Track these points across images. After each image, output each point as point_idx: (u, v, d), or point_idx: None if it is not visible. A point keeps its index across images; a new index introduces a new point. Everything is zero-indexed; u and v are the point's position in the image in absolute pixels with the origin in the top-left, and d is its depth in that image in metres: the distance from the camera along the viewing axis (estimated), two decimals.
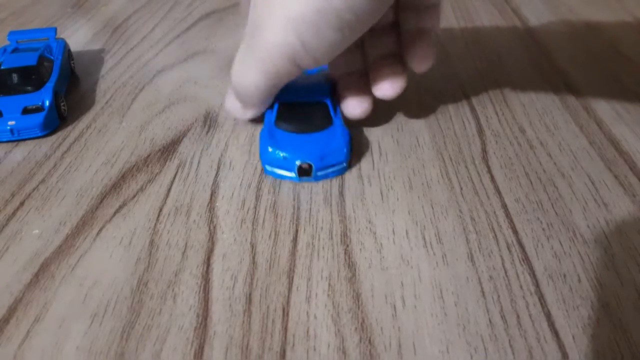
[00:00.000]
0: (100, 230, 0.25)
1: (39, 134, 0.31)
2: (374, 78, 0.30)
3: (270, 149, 0.27)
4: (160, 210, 0.26)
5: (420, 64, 0.30)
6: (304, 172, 0.27)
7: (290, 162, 0.27)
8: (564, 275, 0.22)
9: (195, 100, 0.35)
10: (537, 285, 0.22)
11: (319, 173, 0.27)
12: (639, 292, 0.21)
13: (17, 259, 0.24)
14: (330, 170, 0.27)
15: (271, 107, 0.30)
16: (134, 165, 0.29)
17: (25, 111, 0.31)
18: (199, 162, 0.29)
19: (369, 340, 0.20)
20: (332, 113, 0.29)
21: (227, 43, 0.43)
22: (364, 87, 0.30)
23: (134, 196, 0.27)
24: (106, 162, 0.29)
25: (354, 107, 0.30)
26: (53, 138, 0.32)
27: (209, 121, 0.33)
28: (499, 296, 0.21)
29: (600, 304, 0.21)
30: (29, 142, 0.31)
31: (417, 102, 0.33)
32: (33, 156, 0.30)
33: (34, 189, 0.28)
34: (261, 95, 0.28)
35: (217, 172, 0.28)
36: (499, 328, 0.20)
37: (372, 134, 0.31)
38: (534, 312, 0.21)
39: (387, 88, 0.29)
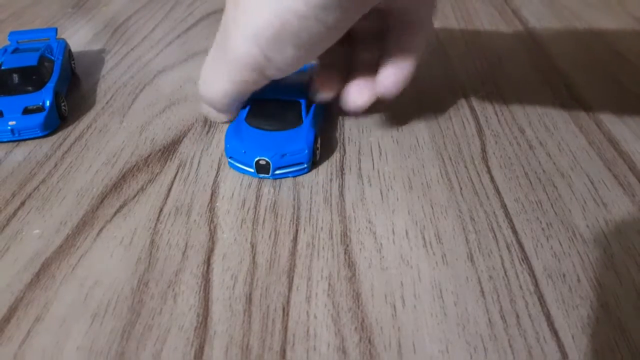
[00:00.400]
0: (100, 230, 0.25)
1: (40, 134, 0.31)
2: (346, 86, 0.29)
3: (232, 143, 0.28)
4: (161, 210, 0.26)
5: (382, 86, 0.28)
6: (262, 169, 0.27)
7: (249, 158, 0.27)
8: (564, 275, 0.22)
9: (195, 101, 0.35)
10: (536, 285, 0.22)
11: (277, 172, 0.27)
12: (638, 291, 0.21)
13: (18, 258, 0.24)
14: (289, 170, 0.27)
15: (246, 104, 0.30)
16: (134, 165, 0.29)
17: (26, 111, 0.31)
18: (199, 162, 0.29)
19: (369, 340, 0.20)
20: (303, 114, 0.29)
21: None
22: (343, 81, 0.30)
23: (135, 196, 0.27)
24: (107, 162, 0.29)
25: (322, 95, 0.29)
26: (54, 138, 0.32)
27: (209, 121, 0.33)
28: (498, 296, 0.21)
29: (599, 304, 0.21)
30: (29, 142, 0.31)
31: (417, 102, 0.33)
32: (34, 156, 0.30)
33: (34, 189, 0.28)
34: (229, 101, 0.28)
35: (217, 172, 0.28)
36: (499, 328, 0.20)
37: (372, 134, 0.31)
38: (533, 311, 0.21)
39: (351, 99, 0.28)
